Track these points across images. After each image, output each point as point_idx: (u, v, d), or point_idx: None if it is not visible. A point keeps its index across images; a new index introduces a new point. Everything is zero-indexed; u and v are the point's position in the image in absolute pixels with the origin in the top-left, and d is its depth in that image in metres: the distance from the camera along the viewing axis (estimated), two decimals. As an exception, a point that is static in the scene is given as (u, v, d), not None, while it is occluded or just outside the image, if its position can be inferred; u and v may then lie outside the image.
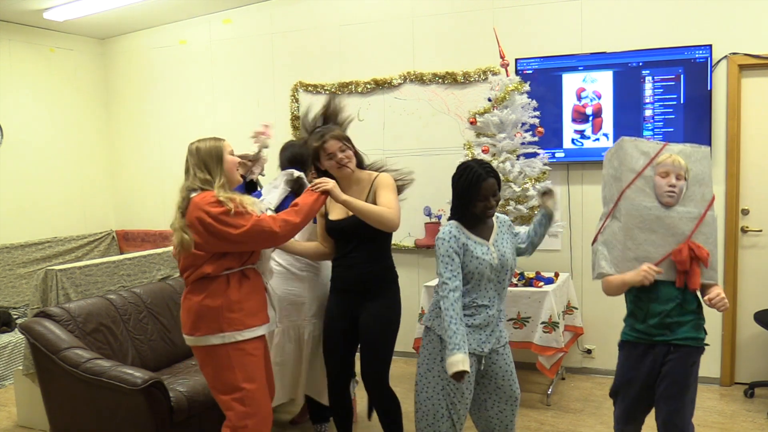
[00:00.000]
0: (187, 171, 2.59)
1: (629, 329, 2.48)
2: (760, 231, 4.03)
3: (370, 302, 2.81)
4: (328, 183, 2.62)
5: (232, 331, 2.48)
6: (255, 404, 2.52)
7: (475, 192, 2.42)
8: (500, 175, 3.72)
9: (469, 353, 2.37)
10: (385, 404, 2.90)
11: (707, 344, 2.45)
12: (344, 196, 2.64)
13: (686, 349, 2.38)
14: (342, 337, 2.90)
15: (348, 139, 2.86)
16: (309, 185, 2.70)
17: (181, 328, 2.60)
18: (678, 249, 2.35)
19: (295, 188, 3.04)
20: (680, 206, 2.39)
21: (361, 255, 2.80)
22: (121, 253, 5.50)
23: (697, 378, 2.43)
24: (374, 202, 2.74)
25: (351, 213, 2.74)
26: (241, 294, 2.52)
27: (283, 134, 5.12)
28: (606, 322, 4.30)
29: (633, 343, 2.45)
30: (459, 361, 2.25)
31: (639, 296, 2.42)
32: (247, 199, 2.53)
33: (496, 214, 2.55)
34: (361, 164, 2.91)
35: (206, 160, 2.54)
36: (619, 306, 4.24)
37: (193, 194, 2.51)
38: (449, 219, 2.54)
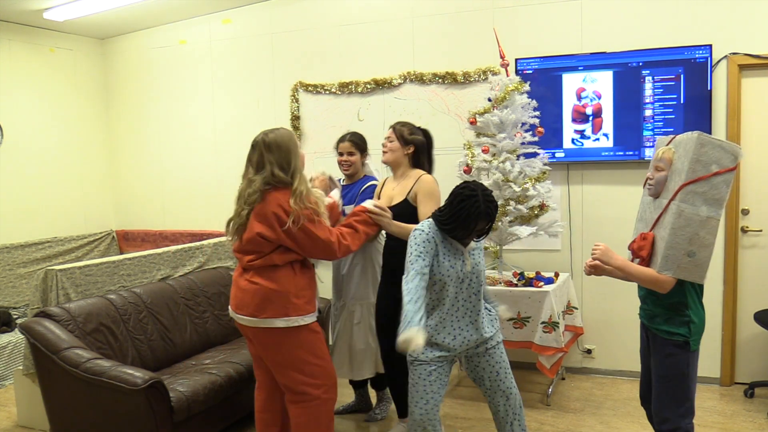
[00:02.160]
0: (260, 165, 2.64)
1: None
2: (760, 231, 4.03)
3: None
4: (384, 218, 2.94)
5: (296, 315, 2.63)
6: (324, 375, 2.69)
7: (466, 223, 2.46)
8: (501, 174, 3.77)
9: (436, 361, 2.57)
10: (394, 372, 3.16)
11: (689, 342, 2.40)
12: (392, 228, 2.97)
13: (660, 339, 2.46)
14: (391, 318, 3.01)
15: (402, 134, 3.18)
16: (367, 206, 2.90)
17: (235, 308, 2.70)
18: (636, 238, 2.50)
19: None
20: (661, 197, 2.45)
21: (403, 242, 2.93)
22: (121, 253, 5.49)
23: (683, 374, 2.41)
24: (414, 200, 3.03)
25: (395, 202, 3.08)
26: (304, 281, 2.70)
27: (283, 134, 5.12)
28: (606, 322, 4.31)
29: (641, 320, 2.64)
30: (412, 336, 2.26)
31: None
32: (321, 200, 2.66)
33: None
34: (420, 166, 3.18)
35: (286, 158, 2.63)
36: (619, 306, 4.26)
37: (268, 187, 2.60)
38: (430, 217, 2.61)
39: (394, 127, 3.22)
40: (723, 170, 2.30)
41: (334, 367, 3.34)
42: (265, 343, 2.68)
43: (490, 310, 2.75)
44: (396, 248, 3.01)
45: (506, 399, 2.67)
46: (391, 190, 3.18)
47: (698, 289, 2.44)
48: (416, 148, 3.17)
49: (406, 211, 3.03)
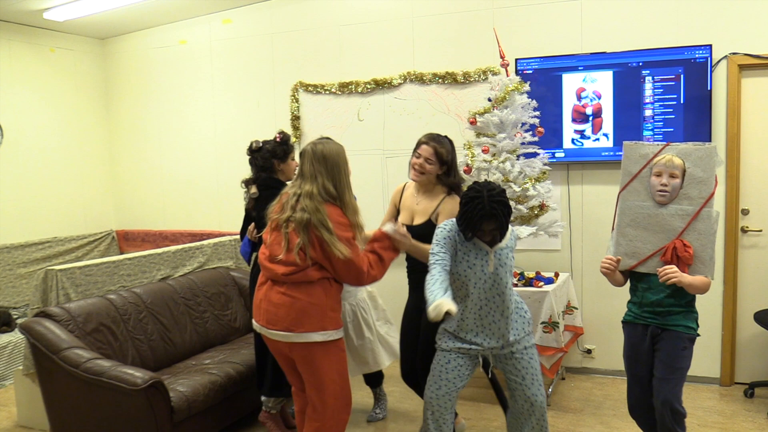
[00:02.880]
0: (312, 176, 2.58)
1: (629, 311, 2.70)
2: (760, 231, 4.03)
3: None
4: (406, 243, 2.78)
5: (332, 329, 2.60)
6: (344, 395, 2.67)
7: (472, 224, 2.47)
8: (501, 174, 3.76)
9: (456, 351, 2.64)
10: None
11: (698, 335, 2.60)
12: (412, 251, 2.86)
13: (675, 333, 2.56)
14: (413, 333, 3.08)
15: (436, 157, 2.96)
16: (388, 231, 2.76)
17: (267, 324, 2.60)
18: (665, 247, 2.51)
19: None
20: (675, 204, 2.52)
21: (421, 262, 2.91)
22: (121, 253, 5.50)
23: (689, 366, 2.57)
24: (437, 221, 2.89)
25: (418, 221, 2.98)
26: (337, 296, 2.66)
27: (283, 134, 5.13)
28: (606, 322, 4.31)
29: (632, 323, 2.67)
30: (440, 302, 2.28)
31: (636, 285, 2.66)
32: (361, 228, 2.63)
33: (512, 227, 2.62)
34: (447, 183, 3.01)
35: (336, 174, 2.58)
36: (619, 306, 4.25)
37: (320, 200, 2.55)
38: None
39: (434, 148, 2.95)
40: (716, 178, 2.54)
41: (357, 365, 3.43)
42: (302, 358, 2.61)
43: (522, 314, 2.70)
44: (416, 265, 2.99)
45: (530, 405, 2.65)
46: (415, 205, 3.05)
47: None
48: (449, 167, 3.00)
49: (429, 231, 2.83)
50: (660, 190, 2.52)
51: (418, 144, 3.01)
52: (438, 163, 2.97)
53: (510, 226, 2.63)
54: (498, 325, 2.61)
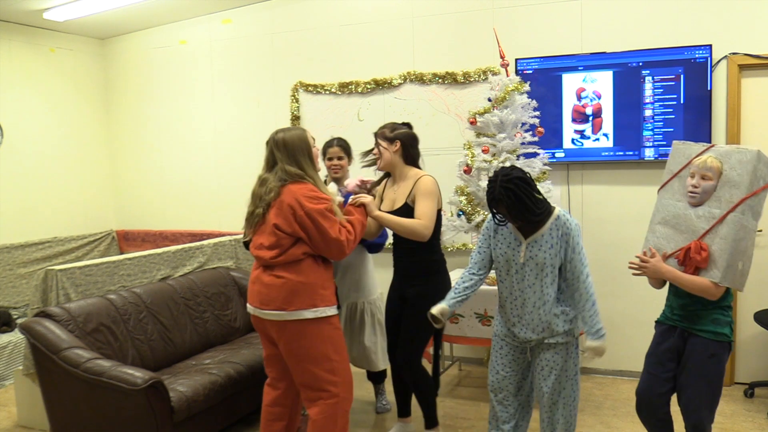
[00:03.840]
0: (272, 163, 2.71)
1: (663, 312, 2.70)
2: (760, 231, 4.03)
3: (412, 290, 3.08)
4: (366, 198, 2.90)
5: (324, 306, 2.66)
6: (343, 373, 2.71)
7: (489, 208, 2.58)
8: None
9: (503, 339, 2.73)
10: (414, 384, 3.16)
11: (731, 340, 2.53)
12: (376, 212, 2.93)
13: (704, 340, 2.50)
14: (396, 317, 3.19)
15: (384, 135, 3.10)
16: (350, 199, 2.91)
17: (260, 305, 2.68)
18: (682, 247, 2.50)
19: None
20: (705, 206, 2.48)
21: (404, 247, 3.10)
22: (121, 253, 5.50)
23: (721, 373, 2.52)
24: (413, 202, 2.99)
25: (397, 206, 3.05)
26: (328, 272, 2.74)
27: (283, 134, 5.13)
28: (606, 322, 4.28)
29: (662, 323, 2.68)
30: (438, 306, 2.67)
31: (670, 287, 2.66)
32: (335, 201, 2.69)
33: (563, 216, 2.57)
34: (413, 162, 3.13)
35: (297, 155, 2.68)
36: (619, 306, 4.25)
37: (282, 183, 2.65)
38: None
39: (375, 135, 3.15)
40: (766, 185, 2.45)
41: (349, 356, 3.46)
42: (291, 336, 2.66)
43: (566, 313, 2.62)
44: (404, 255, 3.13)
45: (541, 397, 2.67)
46: (393, 193, 3.14)
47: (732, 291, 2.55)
48: (402, 142, 3.08)
49: (408, 213, 2.99)
50: (690, 191, 2.50)
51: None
52: (385, 142, 3.08)
53: (565, 220, 2.55)
54: (532, 317, 2.61)
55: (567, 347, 2.64)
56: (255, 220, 2.72)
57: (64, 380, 3.03)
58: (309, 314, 2.62)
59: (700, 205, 2.49)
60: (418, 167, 3.15)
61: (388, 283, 3.32)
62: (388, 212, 3.04)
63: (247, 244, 2.84)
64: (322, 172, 3.54)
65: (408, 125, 3.20)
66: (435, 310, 2.67)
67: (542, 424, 2.70)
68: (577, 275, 2.56)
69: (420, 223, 2.91)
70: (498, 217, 2.58)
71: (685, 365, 2.55)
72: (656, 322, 2.73)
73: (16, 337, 4.49)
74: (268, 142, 2.76)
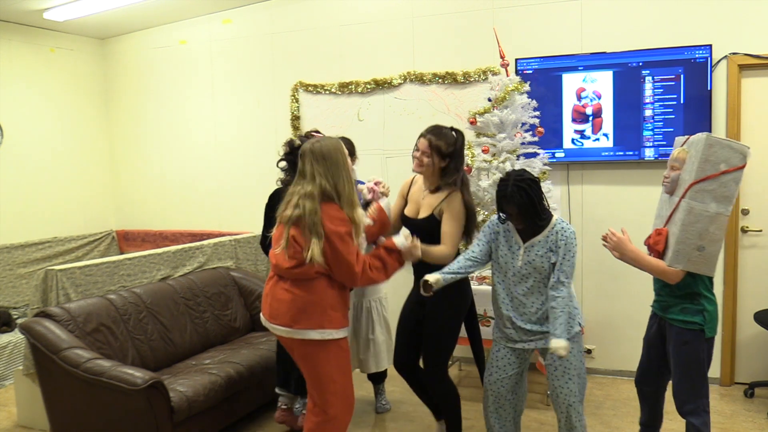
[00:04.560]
0: (312, 176, 2.58)
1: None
2: (760, 231, 4.03)
3: (434, 297, 2.91)
4: (416, 254, 2.78)
5: (331, 329, 2.59)
6: (344, 395, 2.67)
7: (497, 203, 2.67)
8: (501, 174, 3.76)
9: (506, 346, 2.78)
10: (440, 396, 3.08)
11: (701, 329, 2.56)
12: (421, 249, 2.80)
13: (675, 329, 2.62)
14: (413, 321, 3.09)
15: (434, 150, 2.91)
16: (398, 243, 2.77)
17: (269, 318, 2.65)
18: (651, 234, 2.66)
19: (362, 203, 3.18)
20: (674, 195, 2.61)
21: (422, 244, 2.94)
22: (121, 253, 5.50)
23: (699, 360, 2.59)
24: (439, 216, 2.90)
25: (423, 215, 2.96)
26: (340, 294, 2.65)
27: (283, 134, 5.12)
28: (606, 322, 4.31)
29: (653, 310, 2.82)
30: (433, 275, 2.69)
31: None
32: (362, 224, 2.63)
33: (560, 225, 2.65)
34: (449, 181, 2.93)
35: (334, 172, 2.57)
36: (619, 306, 4.25)
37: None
38: None
39: (429, 141, 2.91)
40: (732, 168, 2.45)
41: (356, 359, 3.51)
42: (298, 353, 2.65)
43: (562, 314, 2.64)
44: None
45: (556, 397, 2.72)
46: (421, 199, 3.02)
47: (709, 279, 2.58)
48: (452, 159, 2.93)
49: (432, 225, 2.92)
50: (663, 182, 2.67)
51: (419, 137, 3.00)
52: (437, 156, 2.90)
53: (561, 228, 2.64)
54: (529, 318, 2.70)
55: (577, 339, 2.74)
56: (282, 221, 2.63)
57: (64, 380, 3.03)
58: (315, 335, 2.57)
59: (672, 194, 2.62)
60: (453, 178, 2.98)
61: (397, 284, 3.30)
62: (411, 218, 3.02)
63: (264, 247, 2.78)
64: None
65: (459, 133, 3.00)
66: (431, 278, 2.66)
67: (560, 423, 2.75)
68: (555, 282, 2.61)
69: (446, 251, 2.85)
70: (503, 216, 2.63)
71: (670, 353, 2.68)
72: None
73: (16, 337, 4.49)
74: (302, 154, 2.63)
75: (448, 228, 2.87)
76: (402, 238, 2.78)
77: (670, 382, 2.78)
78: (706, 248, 2.46)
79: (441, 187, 2.95)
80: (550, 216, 2.68)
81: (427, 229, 2.91)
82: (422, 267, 2.95)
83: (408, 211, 3.08)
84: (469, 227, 2.94)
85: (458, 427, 3.11)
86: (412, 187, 3.13)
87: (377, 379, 3.84)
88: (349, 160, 2.68)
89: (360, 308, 3.63)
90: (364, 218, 2.72)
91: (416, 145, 2.98)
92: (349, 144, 3.55)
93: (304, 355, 2.63)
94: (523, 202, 2.53)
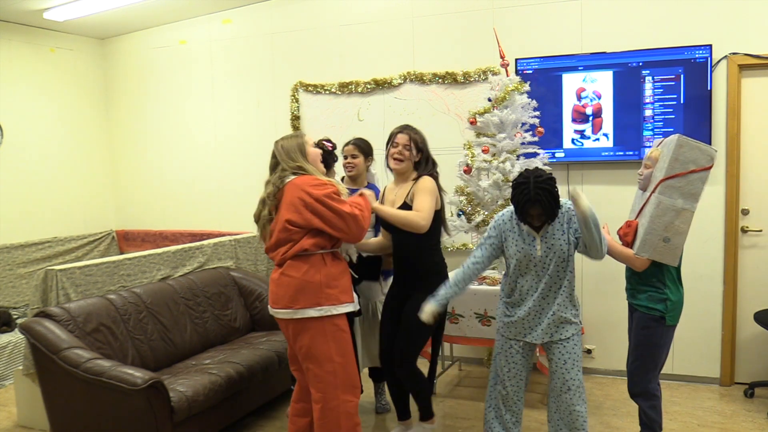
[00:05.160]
0: (275, 166, 2.80)
1: None
2: (760, 231, 4.03)
3: (412, 292, 3.08)
4: (366, 191, 2.97)
5: (329, 305, 2.68)
6: (346, 376, 2.72)
7: (519, 209, 2.62)
8: (501, 174, 3.76)
9: (515, 339, 2.80)
10: (407, 380, 3.17)
11: (662, 316, 2.75)
12: (374, 204, 2.99)
13: (639, 314, 2.82)
14: (393, 322, 3.19)
15: (412, 143, 3.13)
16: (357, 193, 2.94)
17: (272, 304, 2.75)
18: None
19: (328, 159, 3.31)
20: (647, 190, 2.81)
21: (405, 248, 3.11)
22: (121, 253, 5.49)
23: (654, 344, 2.79)
24: (412, 200, 3.03)
25: (397, 206, 3.09)
26: (336, 271, 2.74)
27: (283, 134, 5.11)
28: (606, 322, 4.31)
29: (628, 302, 2.97)
30: (426, 308, 2.77)
31: None
32: (341, 187, 2.75)
33: (566, 203, 2.70)
34: (420, 167, 3.15)
35: (292, 154, 2.76)
36: (619, 306, 4.25)
37: (288, 179, 2.71)
38: None
39: (409, 134, 3.15)
40: (699, 168, 2.65)
41: (366, 357, 3.50)
42: (297, 334, 2.72)
43: (575, 305, 2.77)
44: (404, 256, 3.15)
45: (567, 389, 2.74)
46: (393, 195, 3.17)
47: (675, 271, 2.79)
48: (422, 155, 3.17)
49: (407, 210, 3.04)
50: (638, 179, 2.90)
51: (392, 135, 3.18)
52: (415, 149, 3.12)
53: (567, 207, 2.69)
54: (551, 308, 2.71)
55: (577, 337, 2.78)
56: (263, 222, 2.79)
57: (64, 380, 3.03)
58: (314, 312, 2.65)
59: (644, 190, 2.83)
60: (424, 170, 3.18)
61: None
62: None
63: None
64: (340, 173, 3.60)
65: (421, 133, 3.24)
66: (426, 316, 2.76)
67: (560, 414, 2.77)
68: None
69: (417, 213, 2.95)
70: (525, 219, 2.62)
71: (631, 335, 2.91)
72: None
73: (16, 337, 4.49)
74: (272, 152, 2.84)
75: (420, 201, 2.99)
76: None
77: (665, 376, 2.99)
78: (671, 240, 2.66)
79: (410, 177, 3.13)
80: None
81: None
82: (403, 259, 3.14)
83: None
84: (441, 206, 3.11)
85: (430, 410, 3.28)
86: (385, 192, 3.27)
87: (379, 376, 3.82)
88: (311, 149, 2.83)
89: (366, 307, 3.63)
90: (344, 189, 2.82)
91: (392, 142, 3.16)
92: (366, 144, 3.62)
93: (301, 334, 2.70)
94: (547, 203, 2.55)
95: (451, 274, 2.83)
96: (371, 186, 3.59)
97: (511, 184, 2.67)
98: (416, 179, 3.09)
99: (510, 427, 2.89)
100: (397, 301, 3.19)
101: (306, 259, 2.68)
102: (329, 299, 2.68)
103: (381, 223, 3.21)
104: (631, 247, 2.76)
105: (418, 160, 3.14)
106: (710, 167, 2.65)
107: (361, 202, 2.82)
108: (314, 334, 2.68)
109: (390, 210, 3.02)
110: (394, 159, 3.13)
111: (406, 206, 3.04)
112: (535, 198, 2.52)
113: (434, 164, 3.19)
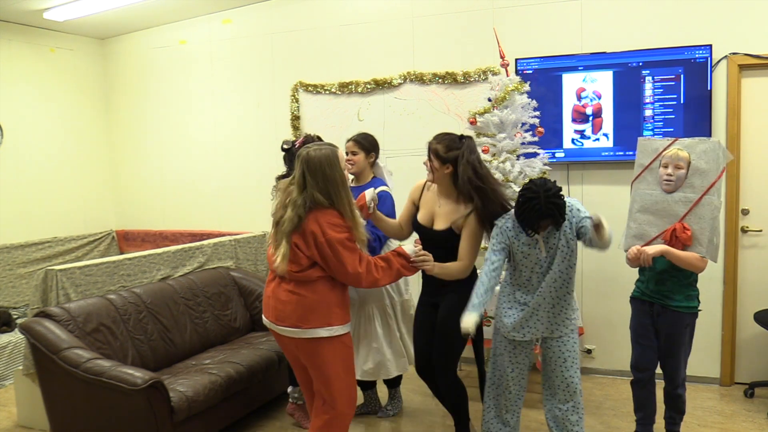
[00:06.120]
0: (302, 186, 2.60)
1: (637, 288, 3.02)
2: (760, 231, 4.03)
3: (445, 297, 2.99)
4: (429, 264, 2.82)
5: (338, 325, 2.65)
6: (348, 391, 2.72)
7: (530, 223, 2.59)
8: (501, 174, 3.76)
9: (517, 340, 2.79)
10: (447, 391, 3.07)
11: (700, 310, 2.92)
12: (435, 271, 2.85)
13: (678, 315, 2.87)
14: (429, 324, 3.08)
15: (437, 152, 2.88)
16: (409, 252, 2.82)
17: (275, 320, 2.68)
18: (667, 230, 2.80)
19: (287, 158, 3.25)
20: (680, 192, 2.81)
21: (437, 255, 2.90)
22: (121, 253, 5.50)
23: (692, 338, 2.93)
24: (459, 230, 2.88)
25: (439, 227, 2.93)
26: (342, 292, 2.72)
27: (283, 134, 5.13)
28: (606, 322, 4.31)
29: (639, 299, 3.00)
30: (467, 319, 2.64)
31: (643, 268, 2.96)
32: (361, 227, 2.65)
33: (568, 203, 2.66)
34: (464, 190, 2.85)
35: (327, 182, 2.58)
36: (619, 306, 4.25)
37: (312, 212, 2.58)
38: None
39: (430, 145, 2.92)
40: (724, 169, 2.82)
41: (359, 366, 3.43)
42: (307, 353, 2.67)
43: (572, 305, 2.81)
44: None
45: (566, 386, 2.79)
46: (437, 207, 2.98)
47: None
48: (455, 166, 2.86)
49: (449, 239, 2.90)
50: (666, 180, 2.82)
51: (429, 147, 2.96)
52: (437, 160, 2.87)
53: (568, 207, 2.66)
54: (553, 311, 2.74)
55: (574, 333, 2.81)
56: (277, 221, 2.68)
57: (64, 380, 3.03)
58: (324, 333, 2.61)
59: (674, 192, 2.82)
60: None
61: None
62: (426, 226, 2.99)
63: None
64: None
65: (465, 139, 2.91)
66: (470, 327, 2.61)
67: (560, 412, 2.80)
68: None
69: (464, 266, 2.88)
70: (534, 230, 2.62)
71: (666, 336, 2.90)
72: (631, 298, 3.05)
73: (16, 337, 4.49)
74: (299, 158, 2.63)
75: (466, 246, 2.87)
76: (411, 246, 2.85)
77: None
78: (717, 239, 2.80)
79: (458, 198, 2.90)
80: None
81: (444, 241, 2.90)
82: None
83: (421, 218, 3.04)
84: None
85: (467, 425, 3.18)
86: (425, 192, 3.09)
87: (392, 382, 3.74)
88: (341, 167, 2.64)
89: (359, 314, 3.49)
90: (364, 227, 2.73)
91: (428, 155, 2.97)
92: (367, 140, 3.52)
93: (312, 353, 2.65)
94: (557, 217, 2.55)
95: (477, 283, 2.74)
96: (377, 181, 3.50)
97: (518, 194, 2.60)
98: (469, 208, 2.86)
99: (511, 427, 2.90)
100: (428, 307, 3.09)
101: (314, 282, 2.63)
102: (338, 319, 2.65)
103: (416, 228, 3.06)
104: (685, 250, 2.74)
105: (450, 172, 2.87)
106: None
107: (384, 268, 2.72)
108: (323, 352, 2.64)
109: (440, 268, 2.84)
110: (428, 173, 2.97)
111: (451, 232, 2.89)
112: (546, 213, 2.52)
113: (478, 188, 2.81)
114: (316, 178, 2.58)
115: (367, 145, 3.52)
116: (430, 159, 2.92)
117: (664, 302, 2.89)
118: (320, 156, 2.59)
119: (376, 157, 3.57)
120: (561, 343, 2.78)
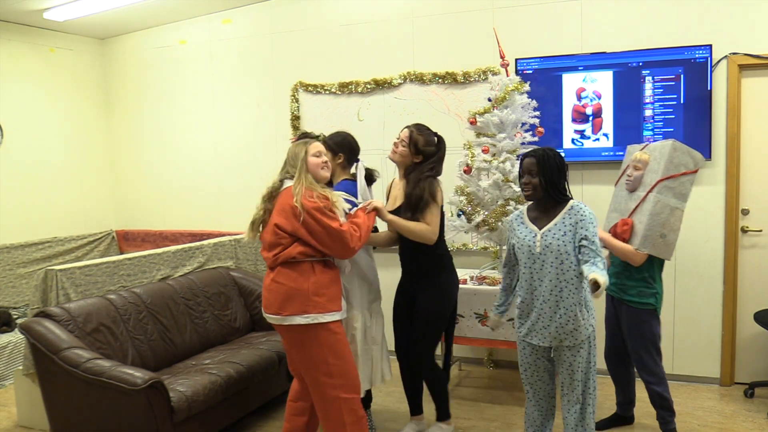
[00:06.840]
0: (283, 167, 2.89)
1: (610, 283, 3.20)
2: (760, 231, 4.03)
3: (420, 287, 3.15)
4: (378, 202, 2.96)
5: (316, 313, 2.70)
6: (343, 376, 2.73)
7: (520, 164, 2.75)
8: (501, 174, 3.76)
9: (528, 342, 2.78)
10: (429, 377, 3.24)
11: (655, 309, 3.06)
12: (389, 217, 3.00)
13: (633, 310, 3.07)
14: (405, 316, 3.24)
15: (416, 143, 3.10)
16: (360, 205, 2.96)
17: (264, 308, 2.79)
18: (615, 224, 3.08)
19: (366, 176, 3.28)
20: (638, 191, 3.07)
21: (410, 245, 3.10)
22: (121, 253, 5.50)
23: (654, 334, 3.07)
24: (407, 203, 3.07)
25: (398, 205, 3.11)
26: (326, 279, 2.76)
27: (283, 134, 5.13)
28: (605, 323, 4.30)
29: (608, 294, 3.27)
30: (493, 318, 3.01)
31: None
32: (338, 200, 2.74)
33: (577, 206, 2.64)
34: (423, 172, 3.10)
35: (294, 159, 2.81)
36: (619, 306, 4.24)
37: (287, 183, 2.77)
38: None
39: (411, 132, 3.13)
40: (689, 171, 2.98)
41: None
42: (289, 340, 2.78)
43: (588, 307, 2.68)
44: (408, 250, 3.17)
45: (571, 392, 2.76)
46: (398, 191, 3.19)
47: (660, 266, 3.07)
48: (424, 158, 3.12)
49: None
50: (626, 180, 3.15)
51: (403, 128, 3.19)
52: (411, 148, 3.09)
53: (579, 209, 2.63)
54: (557, 314, 2.63)
55: (590, 341, 2.71)
56: (257, 222, 2.82)
57: (64, 380, 3.03)
58: (301, 320, 2.69)
59: (634, 191, 3.10)
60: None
61: (393, 283, 3.34)
62: (391, 211, 3.10)
63: None
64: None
65: (440, 140, 3.18)
66: (495, 326, 3.04)
67: (568, 414, 2.78)
68: (586, 260, 2.51)
69: (429, 228, 3.00)
70: (521, 176, 2.71)
71: (626, 330, 3.14)
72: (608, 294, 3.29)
73: (16, 337, 4.49)
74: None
75: (428, 215, 3.02)
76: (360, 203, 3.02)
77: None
78: (666, 236, 2.93)
79: (413, 173, 3.10)
80: (568, 199, 2.68)
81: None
82: (409, 254, 3.15)
83: (388, 206, 3.21)
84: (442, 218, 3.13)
85: (447, 410, 3.32)
86: (393, 184, 3.32)
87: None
88: (311, 159, 2.79)
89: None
90: (343, 202, 2.82)
91: (399, 134, 3.18)
92: (336, 141, 3.21)
93: (292, 340, 2.75)
94: (544, 161, 2.63)
95: (503, 282, 2.95)
96: (340, 184, 3.17)
97: (512, 182, 2.77)
98: (408, 180, 3.09)
99: (542, 423, 2.93)
100: (406, 297, 3.23)
101: (295, 266, 2.72)
102: (316, 307, 2.70)
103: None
104: (628, 244, 2.99)
105: (419, 162, 3.11)
106: (696, 171, 3.00)
107: (360, 222, 2.82)
108: (304, 339, 2.71)
109: (402, 224, 3.01)
110: (392, 150, 3.17)
111: (403, 207, 3.07)
112: (533, 153, 2.66)
113: (434, 172, 3.10)
114: (291, 160, 2.83)
115: (331, 145, 3.18)
116: (402, 142, 3.10)
117: (620, 296, 3.12)
118: (297, 146, 2.87)
119: (346, 159, 3.22)
120: (571, 354, 2.67)
